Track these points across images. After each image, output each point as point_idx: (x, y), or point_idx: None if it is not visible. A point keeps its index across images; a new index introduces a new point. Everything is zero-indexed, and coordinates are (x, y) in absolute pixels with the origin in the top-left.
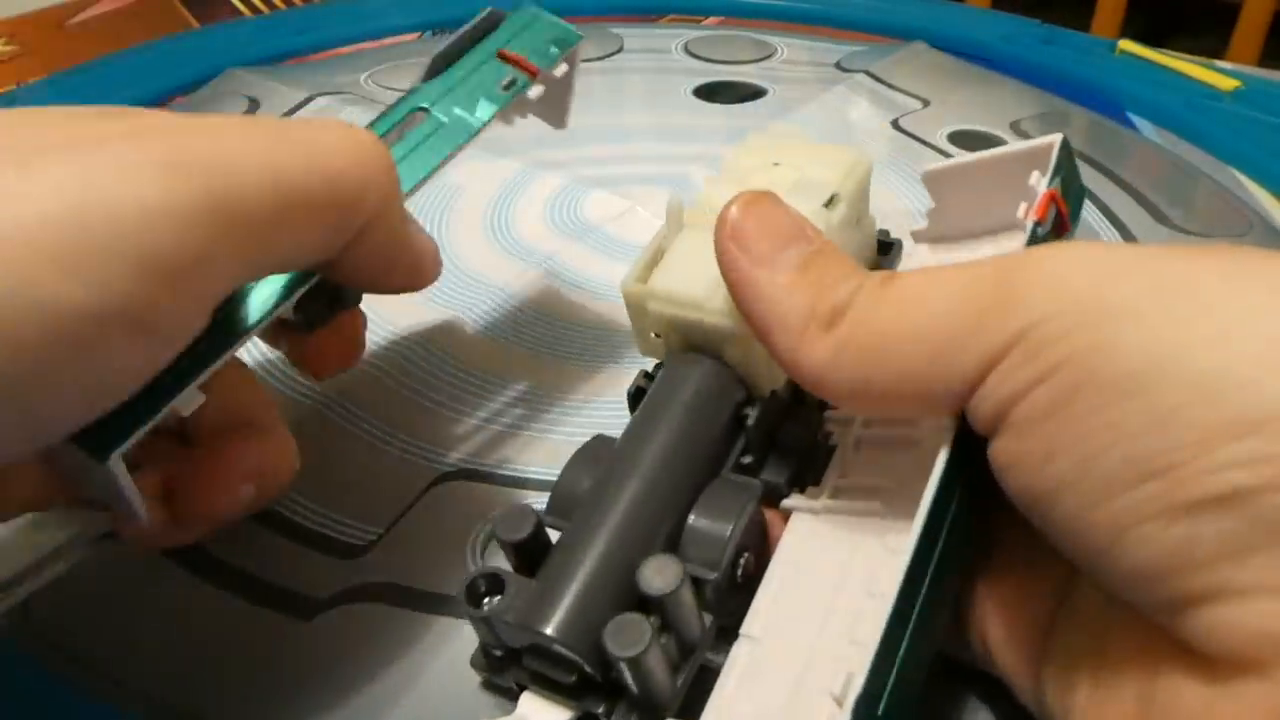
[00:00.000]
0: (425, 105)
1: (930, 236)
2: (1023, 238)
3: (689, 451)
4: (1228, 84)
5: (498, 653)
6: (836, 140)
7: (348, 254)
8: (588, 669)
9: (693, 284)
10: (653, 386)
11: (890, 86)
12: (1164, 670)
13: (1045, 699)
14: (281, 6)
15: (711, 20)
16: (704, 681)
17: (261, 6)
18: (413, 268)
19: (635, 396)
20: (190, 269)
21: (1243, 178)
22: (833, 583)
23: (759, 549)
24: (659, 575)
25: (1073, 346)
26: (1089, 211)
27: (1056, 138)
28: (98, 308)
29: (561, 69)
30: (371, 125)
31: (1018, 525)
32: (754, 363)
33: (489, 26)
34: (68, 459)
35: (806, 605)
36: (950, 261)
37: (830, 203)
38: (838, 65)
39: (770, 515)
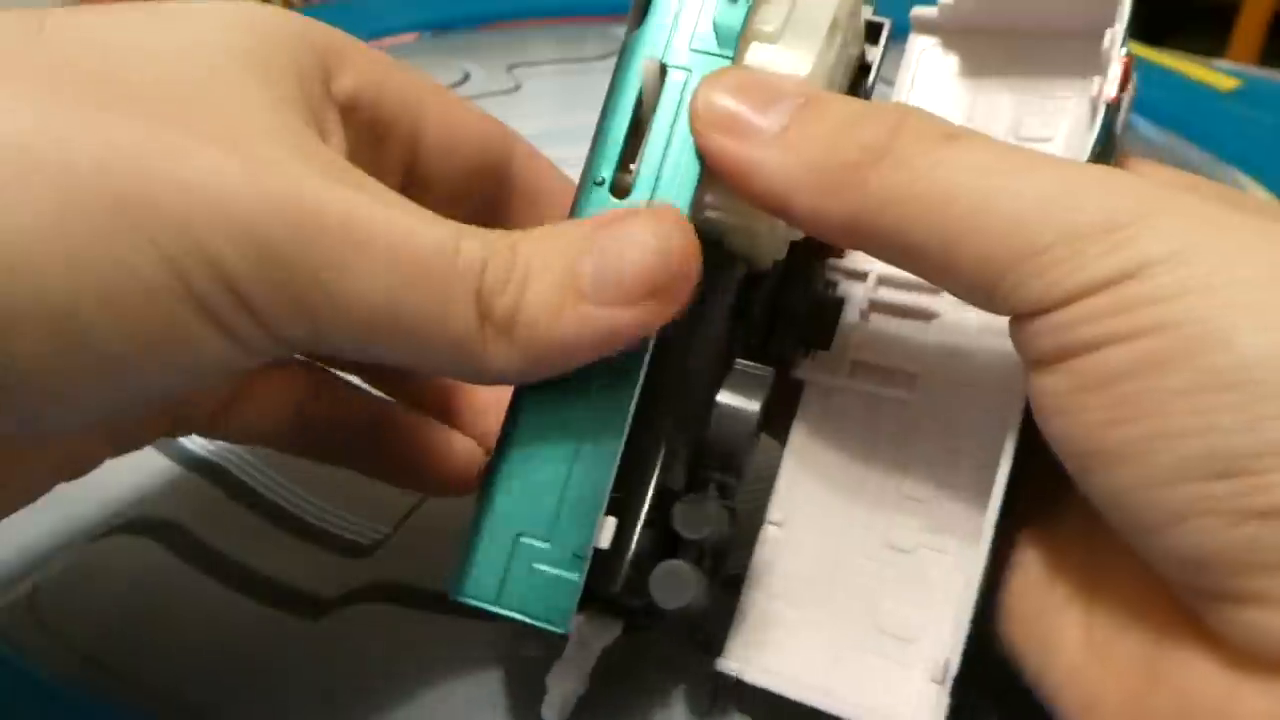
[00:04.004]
0: (654, 56)
1: (942, 27)
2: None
3: (707, 356)
4: (1228, 84)
5: None
6: None
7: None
8: (634, 604)
9: None
10: None
11: (891, 84)
12: (1173, 641)
13: (1010, 630)
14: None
15: None
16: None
17: None
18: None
19: None
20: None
21: (1243, 178)
22: (858, 471)
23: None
24: (696, 520)
25: (1177, 312)
26: None
27: None
28: None
29: None
30: (606, 115)
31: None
32: (759, 246)
33: None
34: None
35: (831, 495)
36: (984, 74)
37: (831, 39)
38: None
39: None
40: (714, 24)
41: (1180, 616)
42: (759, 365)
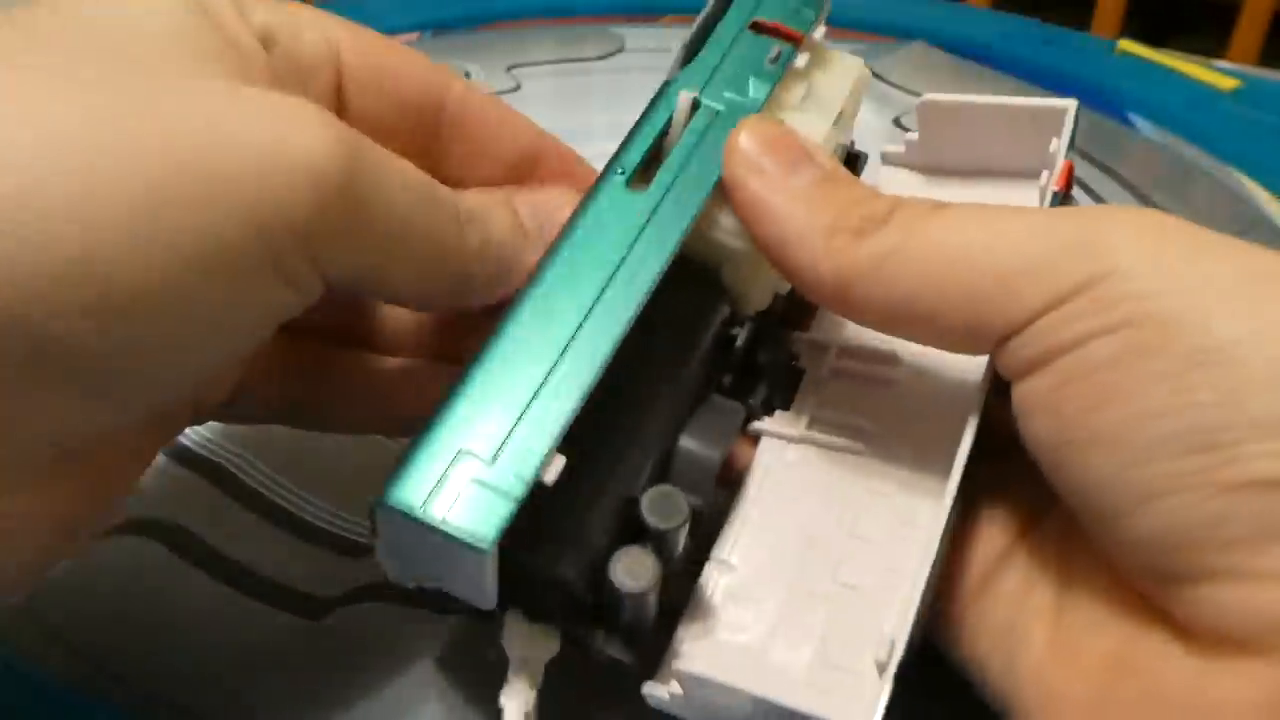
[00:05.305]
0: (694, 93)
1: (908, 163)
2: (1034, 196)
3: (685, 376)
4: (1228, 84)
5: None
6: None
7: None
8: (585, 598)
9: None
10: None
11: (891, 85)
12: (1143, 635)
13: (977, 648)
14: None
15: None
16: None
17: None
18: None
19: None
20: None
21: (1243, 178)
22: (810, 516)
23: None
24: (665, 510)
25: (1155, 306)
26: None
27: (1070, 103)
28: None
29: (820, 31)
30: (637, 128)
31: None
32: (750, 283)
33: (727, 1)
34: (409, 546)
35: (782, 536)
36: (945, 193)
37: (838, 121)
38: None
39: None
40: (750, 80)
41: (1148, 613)
42: (729, 401)
